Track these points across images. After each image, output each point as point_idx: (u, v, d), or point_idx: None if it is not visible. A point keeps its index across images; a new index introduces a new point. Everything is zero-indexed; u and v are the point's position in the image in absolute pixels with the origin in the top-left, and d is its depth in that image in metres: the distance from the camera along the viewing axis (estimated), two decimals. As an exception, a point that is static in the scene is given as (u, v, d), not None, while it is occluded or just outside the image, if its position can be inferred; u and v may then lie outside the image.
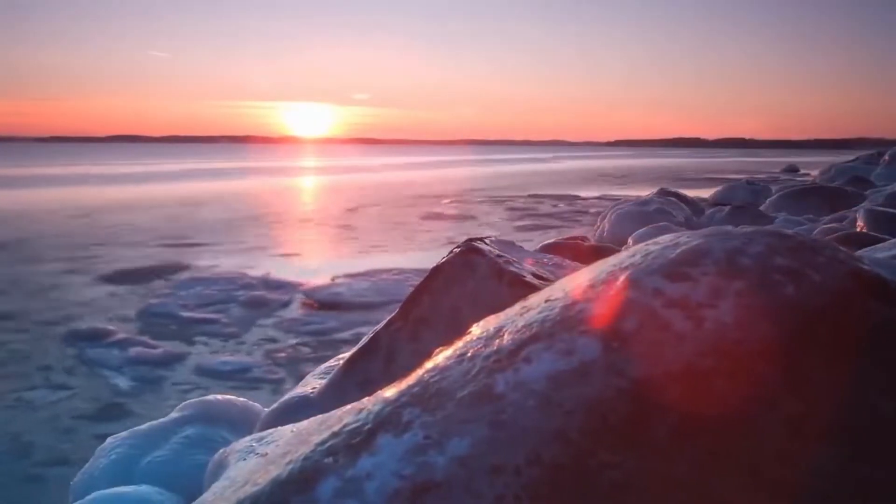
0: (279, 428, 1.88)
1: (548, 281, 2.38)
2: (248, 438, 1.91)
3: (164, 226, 16.37)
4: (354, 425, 1.02)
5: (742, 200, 17.53)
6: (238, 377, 6.31)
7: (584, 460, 0.92)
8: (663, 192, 17.70)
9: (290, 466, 0.99)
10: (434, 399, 1.01)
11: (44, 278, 10.38)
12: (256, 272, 10.18)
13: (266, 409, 4.50)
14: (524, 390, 0.97)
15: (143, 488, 3.55)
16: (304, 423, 1.90)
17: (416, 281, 2.61)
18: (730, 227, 1.22)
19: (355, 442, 0.98)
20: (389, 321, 2.53)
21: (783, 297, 1.04)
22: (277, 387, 5.92)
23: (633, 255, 1.22)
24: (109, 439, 4.15)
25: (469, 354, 1.10)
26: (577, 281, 1.22)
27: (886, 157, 27.77)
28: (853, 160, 35.84)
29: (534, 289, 2.32)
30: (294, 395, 2.62)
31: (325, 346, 7.04)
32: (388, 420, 1.00)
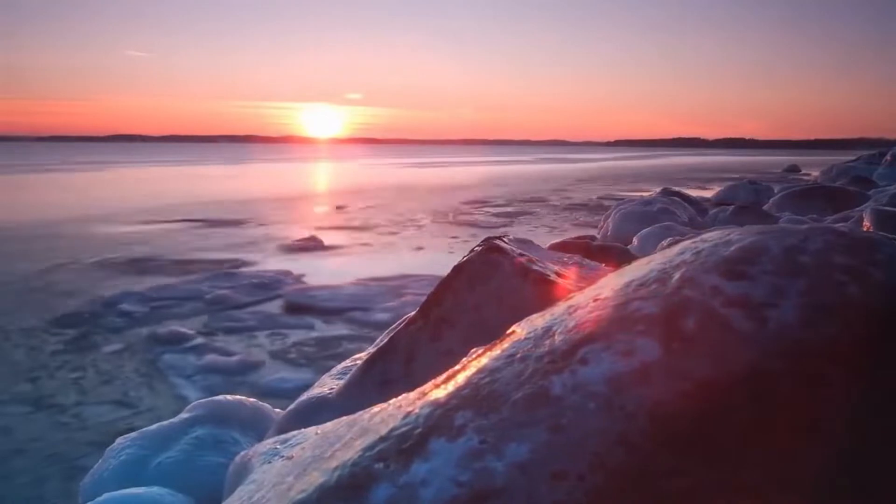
0: (303, 430, 1.84)
1: (572, 280, 2.34)
2: (270, 440, 1.87)
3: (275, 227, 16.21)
4: (404, 429, 0.98)
5: (744, 200, 17.51)
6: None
7: (649, 466, 0.88)
8: (666, 192, 17.69)
9: (338, 472, 0.95)
10: (487, 402, 0.97)
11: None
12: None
13: (276, 409, 4.47)
14: (583, 393, 0.93)
15: (155, 490, 3.51)
16: (329, 425, 1.86)
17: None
18: (784, 224, 1.19)
19: (406, 447, 0.94)
20: (409, 321, 2.49)
21: (847, 296, 1.00)
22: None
23: (683, 253, 1.19)
24: (119, 439, 4.11)
25: (519, 355, 1.06)
26: (625, 279, 1.18)
27: (888, 156, 27.76)
28: (854, 160, 35.85)
29: (559, 288, 2.29)
30: (312, 395, 2.58)
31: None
32: (439, 424, 0.96)
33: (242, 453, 2.00)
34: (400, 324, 2.78)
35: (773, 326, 0.97)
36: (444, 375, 1.42)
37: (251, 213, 19.06)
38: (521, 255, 2.40)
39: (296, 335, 7.45)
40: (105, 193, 25.78)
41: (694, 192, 19.28)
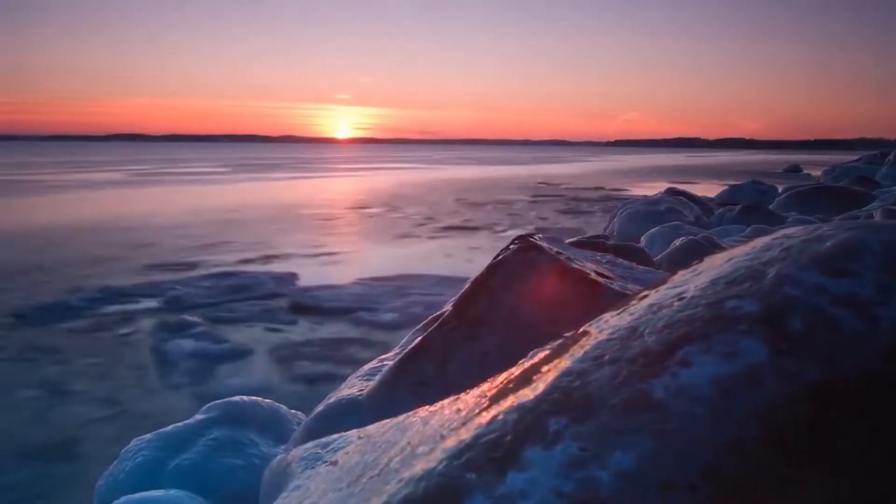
0: (343, 434, 1.78)
1: (611, 279, 2.28)
2: (310, 444, 1.81)
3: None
4: (491, 436, 0.92)
5: (749, 200, 17.45)
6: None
7: (763, 476, 0.82)
8: (672, 192, 17.62)
9: (424, 483, 0.89)
10: (581, 407, 0.91)
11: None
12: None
13: (292, 411, 4.40)
14: (688, 397, 0.87)
15: (173, 493, 3.44)
16: (371, 428, 1.80)
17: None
18: (876, 219, 1.13)
19: (498, 455, 0.88)
20: (442, 321, 2.43)
21: (958, 293, 0.94)
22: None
23: (769, 249, 1.12)
24: (134, 441, 4.05)
25: (607, 357, 1.00)
26: (708, 276, 1.12)
27: (891, 157, 27.74)
28: (856, 160, 35.83)
29: (601, 287, 2.23)
30: (341, 396, 2.52)
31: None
32: (532, 430, 0.90)
33: (279, 457, 1.94)
34: (431, 323, 2.73)
35: (886, 326, 0.91)
36: (505, 378, 1.36)
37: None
38: (559, 253, 2.34)
39: (302, 335, 7.40)
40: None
41: (697, 192, 19.23)
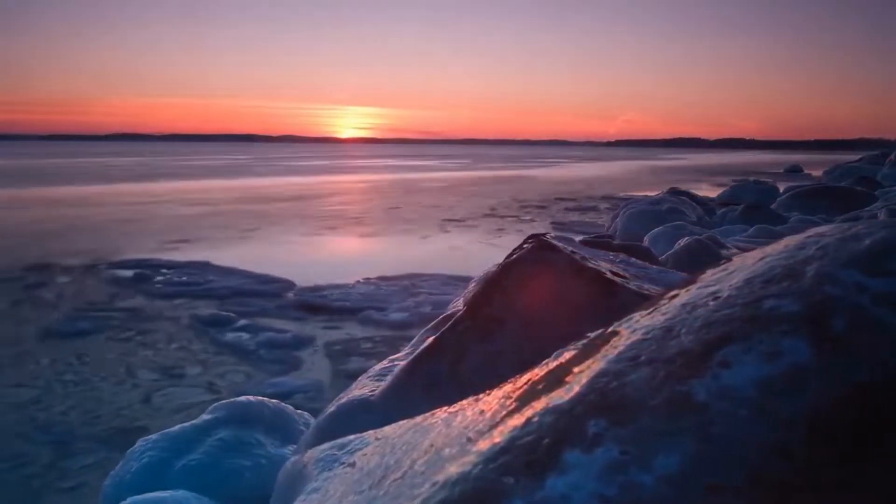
0: (360, 435, 1.76)
1: (627, 278, 2.26)
2: (326, 446, 1.78)
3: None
4: (527, 439, 0.90)
5: (750, 200, 17.44)
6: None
7: (812, 479, 0.80)
8: (674, 192, 17.60)
9: (458, 487, 0.87)
10: (620, 409, 0.89)
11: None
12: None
13: (298, 411, 4.37)
14: (731, 398, 0.85)
15: (180, 494, 3.42)
16: (389, 429, 1.78)
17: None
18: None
19: (536, 459, 0.86)
20: (456, 321, 2.41)
21: None
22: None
23: (803, 248, 1.10)
24: (140, 441, 4.02)
25: (643, 358, 0.98)
26: (742, 275, 1.10)
27: (892, 157, 27.72)
28: (857, 160, 35.81)
29: (618, 287, 2.21)
30: (353, 397, 2.50)
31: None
32: (570, 433, 0.88)
33: (294, 459, 1.92)
34: (442, 323, 2.70)
35: (931, 326, 0.89)
36: (530, 379, 1.34)
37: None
38: (573, 252, 2.31)
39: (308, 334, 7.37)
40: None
41: (699, 192, 19.21)
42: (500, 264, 2.45)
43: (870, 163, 32.55)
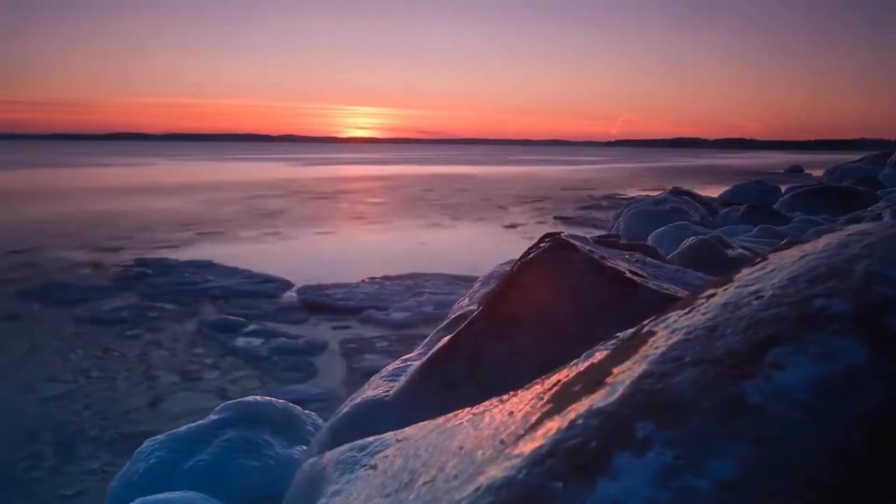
0: (380, 437, 1.73)
1: (646, 278, 2.23)
2: (345, 447, 1.75)
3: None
4: (573, 442, 0.87)
5: (753, 200, 17.40)
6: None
7: (873, 485, 0.77)
8: (676, 191, 17.57)
9: (505, 492, 0.84)
10: (669, 411, 0.86)
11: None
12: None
13: (305, 411, 4.34)
14: (786, 401, 0.82)
15: (189, 494, 3.39)
16: (409, 430, 1.75)
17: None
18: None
19: (583, 462, 0.83)
20: (472, 320, 2.38)
21: None
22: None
23: (847, 247, 1.08)
24: (147, 442, 3.99)
25: (688, 359, 0.95)
26: (785, 275, 1.07)
27: (894, 157, 27.69)
28: (858, 160, 35.77)
29: (637, 286, 2.18)
30: (367, 397, 2.47)
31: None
32: (618, 436, 0.85)
33: (311, 461, 1.89)
34: (455, 322, 2.67)
35: None
36: (559, 380, 1.31)
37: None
38: (591, 251, 2.29)
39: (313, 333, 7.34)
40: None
41: (700, 192, 19.17)
42: (517, 263, 2.42)
43: (870, 163, 32.53)
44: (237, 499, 3.53)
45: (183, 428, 3.97)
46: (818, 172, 39.01)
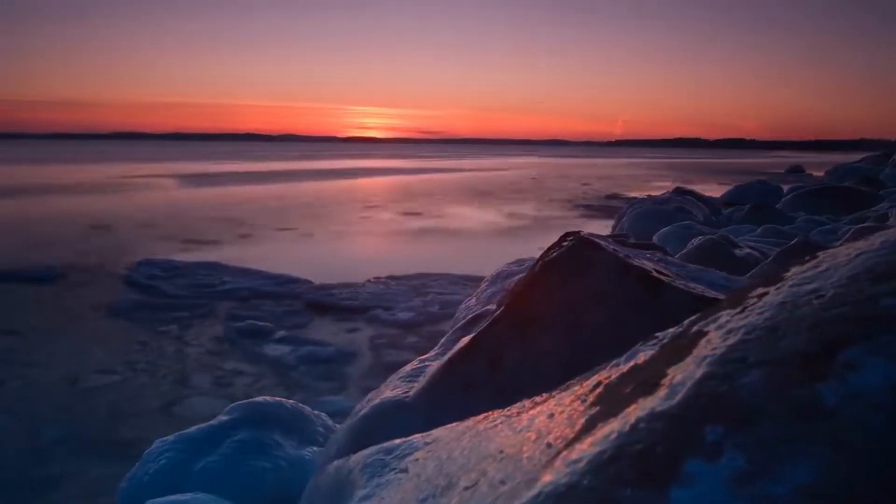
0: (408, 439, 1.70)
1: (672, 277, 2.20)
2: (372, 450, 1.72)
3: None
4: (638, 447, 0.84)
5: (755, 200, 17.37)
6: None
7: (959, 492, 0.74)
8: (679, 191, 17.54)
9: (570, 500, 0.80)
10: (737, 414, 0.83)
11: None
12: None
13: (315, 412, 4.30)
14: (863, 404, 0.79)
15: (202, 496, 3.35)
16: (438, 432, 1.72)
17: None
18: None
19: (652, 468, 0.80)
20: (493, 320, 2.34)
21: None
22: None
23: (902, 244, 1.04)
24: (156, 443, 3.95)
25: (752, 359, 0.91)
26: (844, 273, 1.04)
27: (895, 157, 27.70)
28: (859, 160, 35.76)
29: (665, 286, 2.14)
30: (385, 398, 2.43)
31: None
32: (686, 440, 0.82)
33: (337, 463, 1.85)
34: (472, 322, 2.64)
35: None
36: (601, 380, 1.28)
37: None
38: (615, 249, 2.25)
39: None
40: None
41: (702, 192, 19.14)
42: (537, 262, 2.38)
43: (872, 163, 32.51)
44: (249, 500, 3.49)
45: (193, 428, 3.93)
46: (819, 172, 38.99)
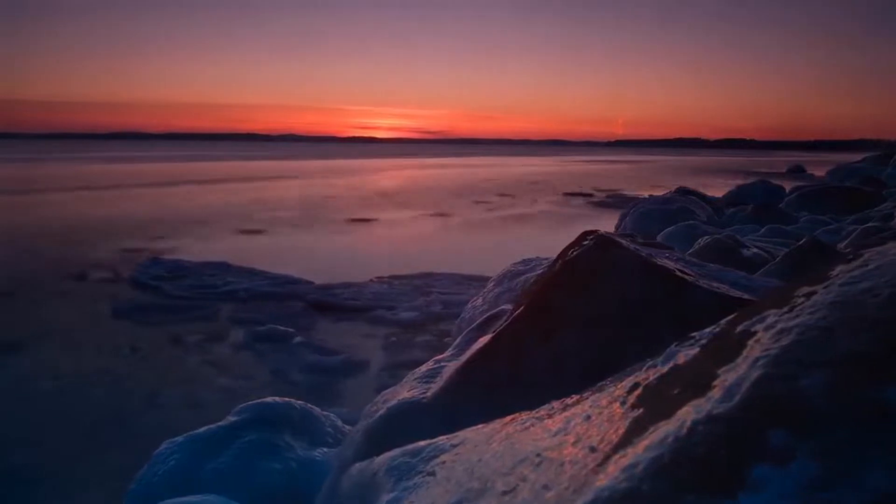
0: (433, 441, 1.66)
1: (695, 276, 2.16)
2: (396, 452, 1.69)
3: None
4: (698, 451, 0.81)
5: (758, 200, 17.34)
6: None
7: None
8: (682, 191, 17.52)
9: (629, 504, 0.78)
10: (803, 417, 0.80)
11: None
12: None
13: (324, 413, 4.27)
14: (936, 407, 0.76)
15: (211, 498, 3.32)
16: (465, 434, 1.69)
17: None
18: None
19: (716, 474, 0.77)
20: (512, 320, 2.31)
21: None
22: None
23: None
24: (165, 444, 3.90)
25: (809, 360, 0.88)
26: (894, 272, 1.01)
27: (897, 157, 27.66)
28: (860, 161, 35.73)
29: (689, 286, 2.11)
30: (402, 399, 2.40)
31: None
32: (750, 444, 0.79)
33: (360, 465, 1.82)
34: (487, 323, 2.61)
35: None
36: (638, 381, 1.25)
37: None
38: (636, 249, 2.22)
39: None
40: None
41: (704, 192, 19.12)
42: (556, 261, 2.35)
43: (873, 163, 32.46)
44: (260, 502, 3.46)
45: (202, 429, 3.89)
46: (820, 172, 38.94)
